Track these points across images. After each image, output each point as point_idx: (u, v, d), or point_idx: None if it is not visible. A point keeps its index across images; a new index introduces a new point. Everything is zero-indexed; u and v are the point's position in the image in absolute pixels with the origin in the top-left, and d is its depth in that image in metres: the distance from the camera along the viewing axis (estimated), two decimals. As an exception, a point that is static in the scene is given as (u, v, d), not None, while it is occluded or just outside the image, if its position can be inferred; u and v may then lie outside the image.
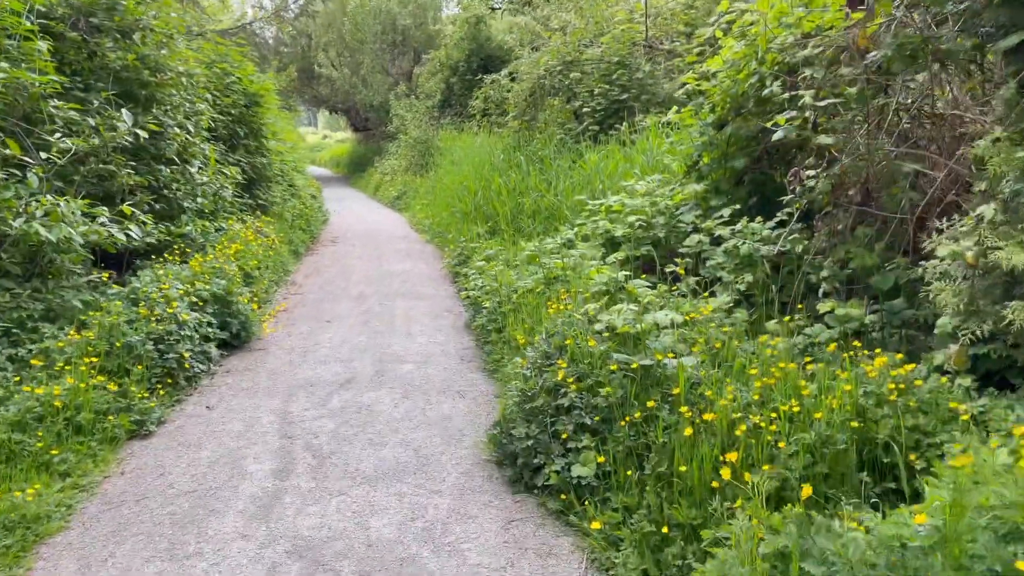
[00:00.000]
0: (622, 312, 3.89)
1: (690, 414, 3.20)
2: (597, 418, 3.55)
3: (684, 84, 6.17)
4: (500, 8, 30.21)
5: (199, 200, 8.10)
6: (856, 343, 3.71)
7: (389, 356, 6.09)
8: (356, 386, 5.35)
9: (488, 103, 13.01)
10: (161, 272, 5.92)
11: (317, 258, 11.41)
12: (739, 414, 3.13)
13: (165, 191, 7.58)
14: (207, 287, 6.02)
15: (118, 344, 4.76)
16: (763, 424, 3.01)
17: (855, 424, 2.91)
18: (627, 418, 3.42)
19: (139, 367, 4.77)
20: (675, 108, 6.00)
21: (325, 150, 48.34)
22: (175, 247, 7.49)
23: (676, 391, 3.35)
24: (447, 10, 31.02)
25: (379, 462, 4.08)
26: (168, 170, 7.48)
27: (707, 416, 3.15)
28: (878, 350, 3.51)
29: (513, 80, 12.69)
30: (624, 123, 9.69)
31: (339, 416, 4.77)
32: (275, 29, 32.07)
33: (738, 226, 4.88)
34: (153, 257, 7.10)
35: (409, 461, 4.09)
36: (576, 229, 6.38)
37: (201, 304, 5.91)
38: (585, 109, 11.16)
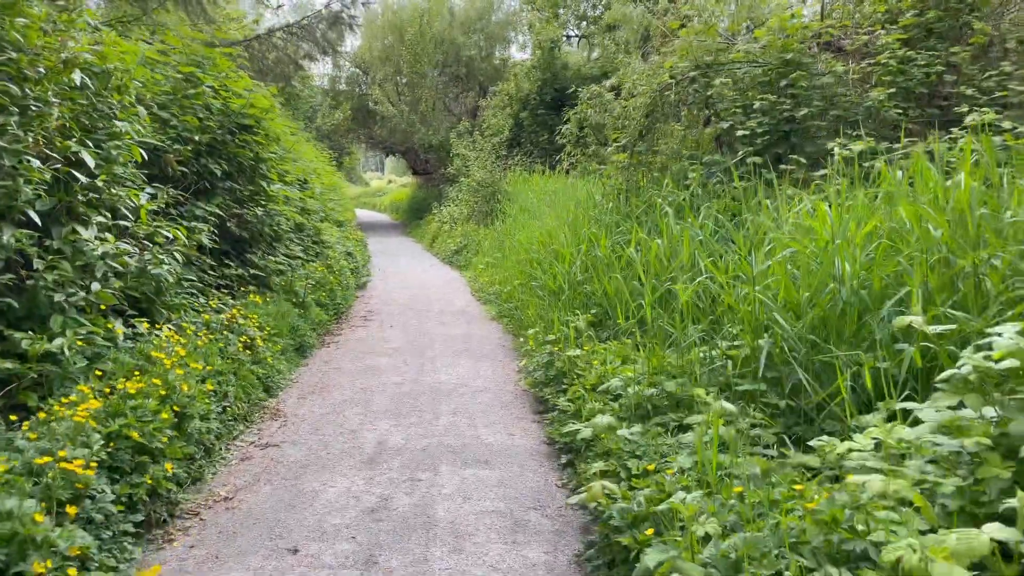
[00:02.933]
0: None
1: None
2: None
3: None
4: (576, 36, 26.97)
5: (94, 287, 4.52)
6: None
7: None
8: None
9: (585, 129, 9.24)
10: None
11: (332, 354, 7.73)
12: None
13: (12, 276, 4.04)
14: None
15: None
16: None
17: None
18: None
19: None
20: None
21: (387, 195, 45.90)
22: (26, 381, 3.91)
23: None
24: (516, 48, 27.96)
25: None
26: (14, 236, 3.94)
27: None
28: None
29: (617, 96, 8.91)
30: (834, 150, 5.72)
31: None
32: (329, 64, 29.48)
33: None
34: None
35: None
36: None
37: None
38: (740, 132, 7.25)
